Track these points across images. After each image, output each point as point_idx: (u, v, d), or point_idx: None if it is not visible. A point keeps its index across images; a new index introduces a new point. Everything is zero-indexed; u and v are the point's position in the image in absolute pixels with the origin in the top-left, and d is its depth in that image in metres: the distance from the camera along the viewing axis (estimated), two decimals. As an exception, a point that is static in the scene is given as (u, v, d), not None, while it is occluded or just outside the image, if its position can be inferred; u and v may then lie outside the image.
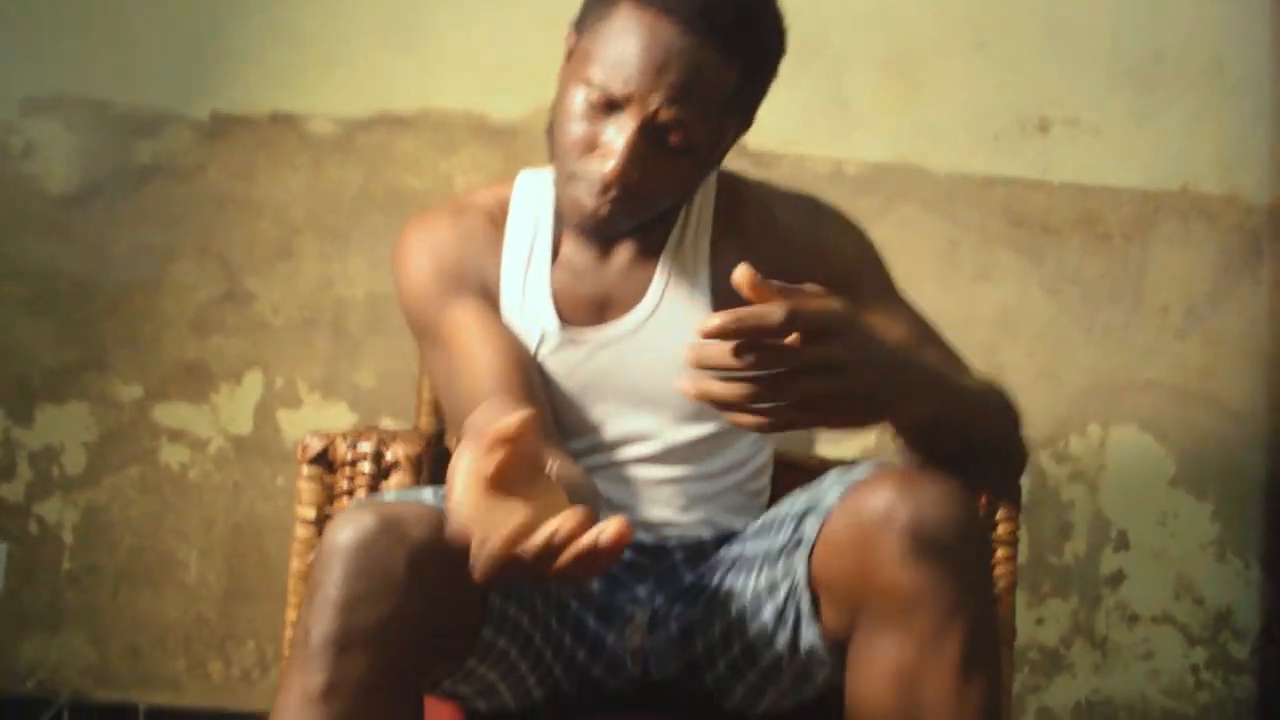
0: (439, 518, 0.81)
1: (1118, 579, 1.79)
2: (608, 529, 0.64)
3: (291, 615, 1.13)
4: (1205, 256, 1.83)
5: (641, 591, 1.06)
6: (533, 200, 1.10)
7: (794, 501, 0.96)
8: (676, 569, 1.07)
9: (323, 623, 0.77)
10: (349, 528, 0.79)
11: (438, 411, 1.42)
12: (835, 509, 0.87)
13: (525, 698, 0.98)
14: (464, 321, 1.03)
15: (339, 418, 1.69)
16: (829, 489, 0.91)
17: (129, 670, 1.69)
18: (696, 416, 1.07)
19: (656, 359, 1.06)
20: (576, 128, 0.97)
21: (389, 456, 1.10)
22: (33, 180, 1.69)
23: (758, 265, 1.07)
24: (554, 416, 1.05)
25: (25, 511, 1.69)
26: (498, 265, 1.08)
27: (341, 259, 1.71)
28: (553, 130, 1.02)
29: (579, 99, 0.97)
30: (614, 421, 1.07)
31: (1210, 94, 1.83)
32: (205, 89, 1.70)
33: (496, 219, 1.10)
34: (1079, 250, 1.81)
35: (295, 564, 1.12)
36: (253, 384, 1.71)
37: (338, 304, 1.71)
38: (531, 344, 1.06)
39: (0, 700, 1.66)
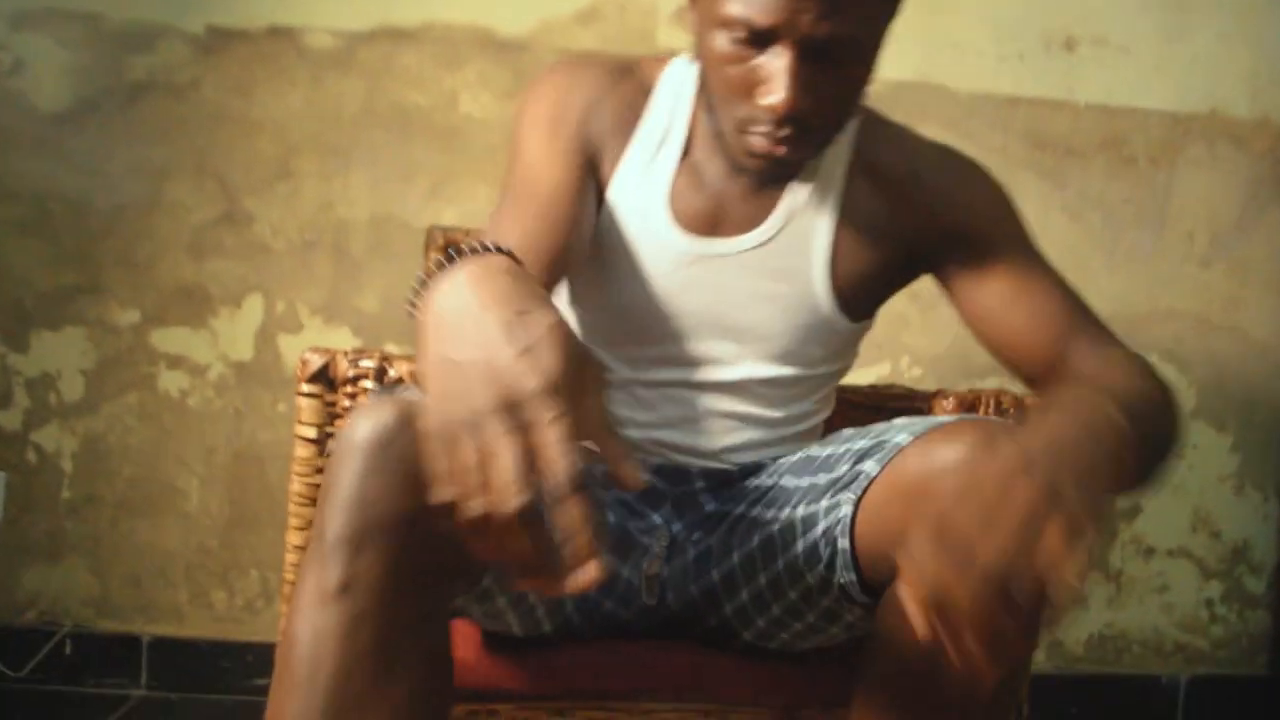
0: None
1: (1134, 511, 1.76)
2: (586, 574, 0.58)
3: (294, 539, 1.10)
4: (1233, 182, 1.78)
5: (658, 518, 1.03)
6: (675, 92, 1.03)
7: (851, 441, 0.92)
8: (697, 496, 1.03)
9: (337, 519, 0.73)
10: (367, 422, 0.74)
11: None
12: (907, 449, 0.83)
13: (534, 629, 0.96)
14: (546, 168, 0.96)
15: (341, 343, 1.65)
16: (897, 431, 0.87)
17: (131, 600, 1.67)
18: (780, 359, 1.02)
19: (757, 289, 1.00)
20: (730, 72, 0.90)
21: (392, 373, 1.05)
22: (23, 97, 1.63)
23: (890, 207, 1.01)
24: (633, 317, 1.01)
25: (23, 440, 1.65)
26: (622, 148, 1.01)
27: (343, 178, 1.66)
28: (705, 82, 0.95)
29: (723, 41, 0.89)
30: (694, 340, 1.01)
31: (1242, 13, 1.76)
32: (200, 1, 1.63)
33: (645, 97, 1.03)
34: (1103, 174, 1.76)
35: (296, 485, 1.08)
36: (253, 308, 1.66)
37: (339, 225, 1.66)
38: (632, 237, 1.00)
39: (1, 631, 1.65)
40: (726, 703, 1.01)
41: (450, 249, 0.66)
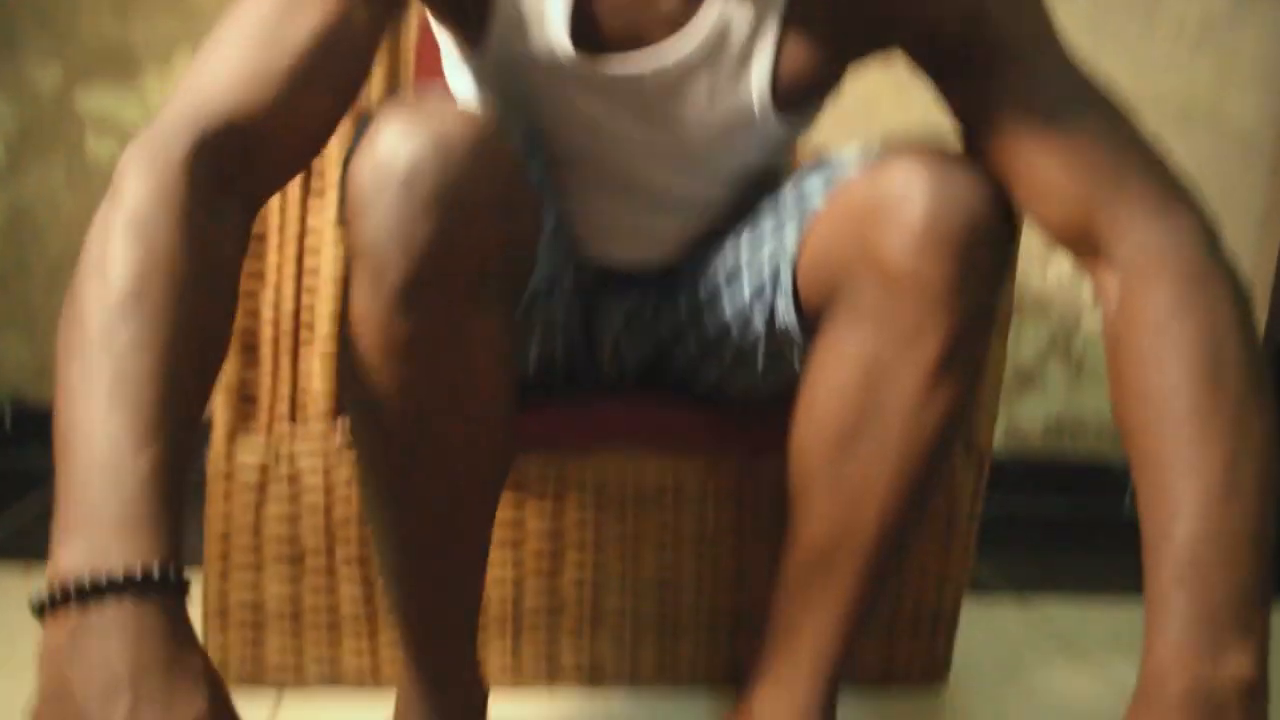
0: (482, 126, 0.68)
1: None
2: None
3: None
4: (1229, -36, 1.69)
5: (610, 301, 0.98)
6: None
7: (799, 178, 0.87)
8: (649, 278, 0.98)
9: (402, 266, 0.65)
10: (404, 149, 0.64)
11: (389, 85, 1.28)
12: (854, 177, 0.78)
13: (521, 371, 0.90)
14: None
15: (282, 108, 1.55)
16: (847, 161, 0.82)
17: (70, 372, 1.61)
18: (716, 177, 0.90)
19: (685, 112, 0.84)
20: None
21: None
22: None
23: (858, 6, 0.80)
24: (543, 142, 0.87)
25: (-55, 207, 1.56)
26: None
27: (277, -76, 1.51)
28: None
29: None
30: (622, 167, 0.88)
31: None
32: None
33: None
34: (1095, -48, 1.66)
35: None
36: (183, 65, 1.54)
37: (275, -22, 1.53)
38: (535, 57, 0.82)
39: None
40: (687, 452, 0.99)
41: (96, 580, 0.47)
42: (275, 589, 0.97)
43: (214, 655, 0.98)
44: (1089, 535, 1.63)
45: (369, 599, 0.99)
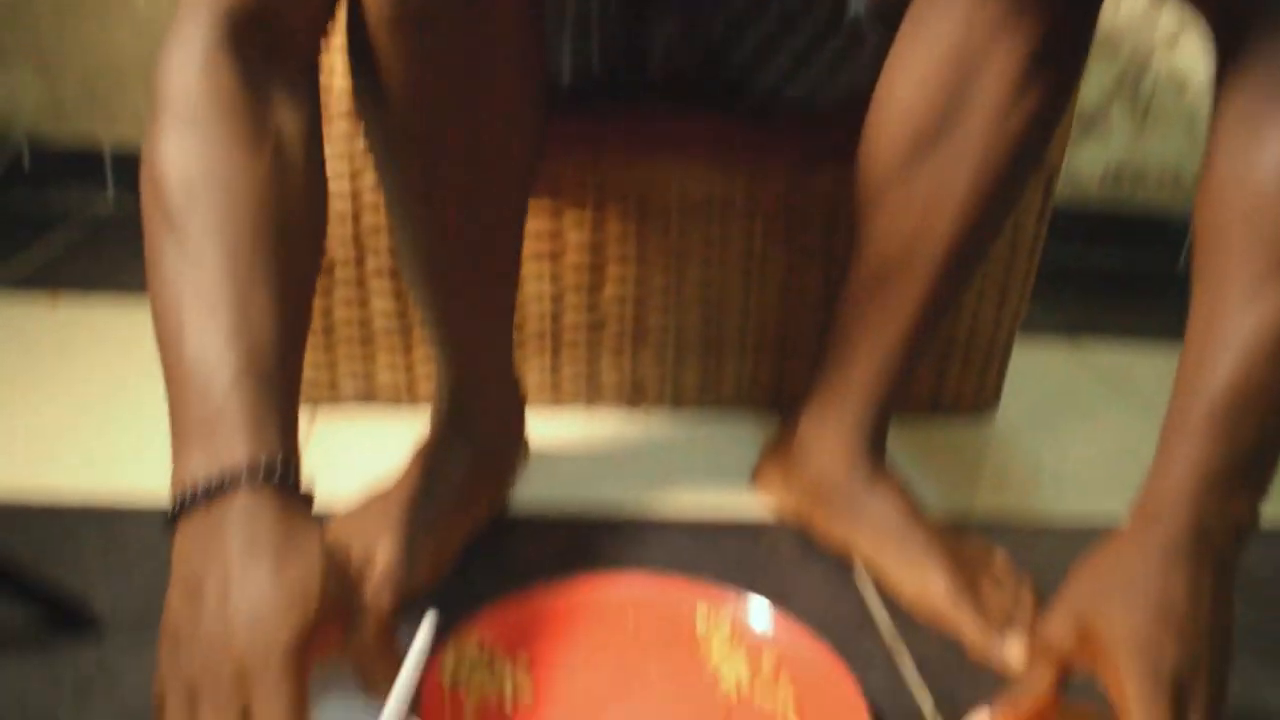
0: None
1: (1172, 42, 1.61)
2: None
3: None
4: None
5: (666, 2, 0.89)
6: None
7: None
8: None
9: None
10: None
11: None
12: None
13: (554, 77, 0.84)
14: None
15: None
16: None
17: (87, 107, 1.55)
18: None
19: None
20: None
21: None
22: None
23: None
24: None
25: (-62, -68, 1.46)
26: None
27: None
28: None
29: None
30: None
31: None
32: None
33: None
34: None
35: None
36: None
37: None
38: None
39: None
40: (735, 162, 0.93)
41: (206, 484, 0.49)
42: (306, 301, 0.94)
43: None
44: (1142, 286, 1.58)
45: (402, 313, 0.95)
